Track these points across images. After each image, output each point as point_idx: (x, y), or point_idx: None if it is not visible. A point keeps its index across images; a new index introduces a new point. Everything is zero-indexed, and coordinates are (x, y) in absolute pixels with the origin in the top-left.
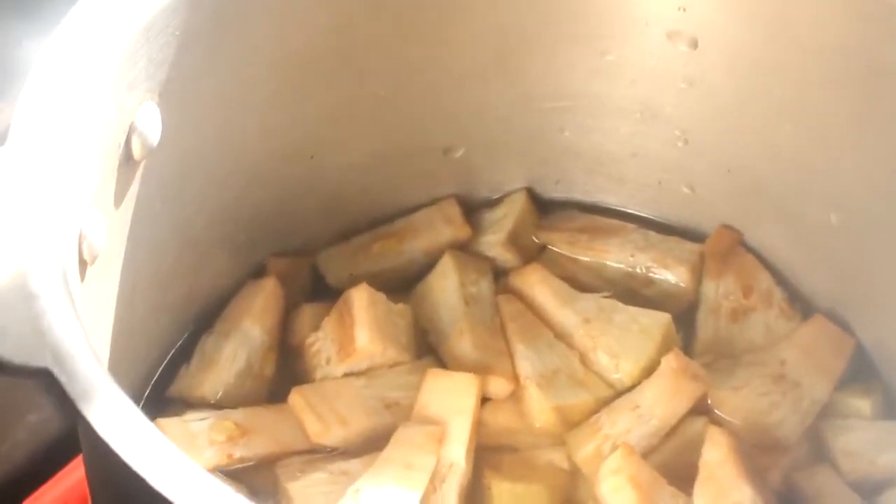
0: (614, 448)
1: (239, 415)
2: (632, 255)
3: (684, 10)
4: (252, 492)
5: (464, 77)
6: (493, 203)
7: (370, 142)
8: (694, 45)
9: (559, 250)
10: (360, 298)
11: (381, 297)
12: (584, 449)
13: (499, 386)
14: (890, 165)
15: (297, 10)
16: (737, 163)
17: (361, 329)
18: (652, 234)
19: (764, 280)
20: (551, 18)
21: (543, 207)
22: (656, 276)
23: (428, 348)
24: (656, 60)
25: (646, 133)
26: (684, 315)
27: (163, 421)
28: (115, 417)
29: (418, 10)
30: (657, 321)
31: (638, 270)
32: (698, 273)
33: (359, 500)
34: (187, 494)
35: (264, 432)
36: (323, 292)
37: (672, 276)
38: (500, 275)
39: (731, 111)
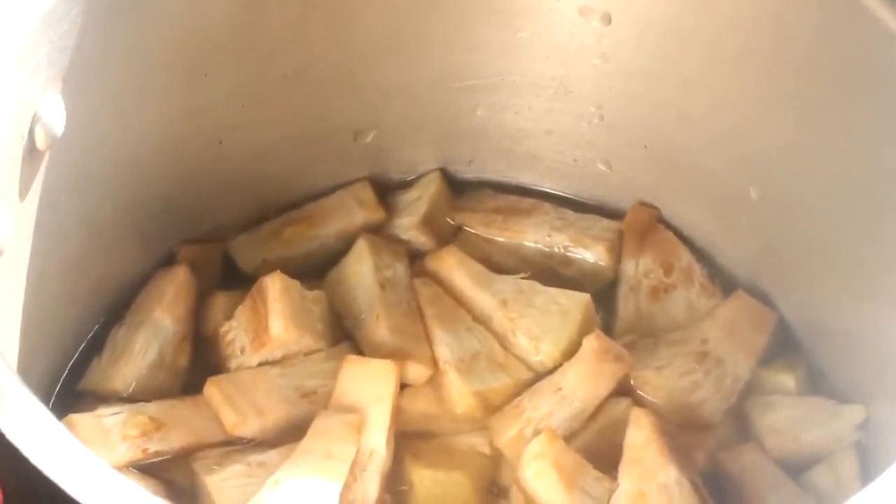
0: (537, 431)
1: (153, 408)
2: (548, 235)
3: None
4: (168, 486)
5: (373, 57)
6: (406, 185)
7: (279, 125)
8: (607, 20)
9: (474, 231)
10: (274, 286)
11: (295, 283)
12: (507, 433)
13: (417, 372)
14: (805, 137)
15: None
16: (653, 138)
17: (275, 317)
18: (568, 212)
19: (684, 257)
20: None
21: (458, 188)
22: (574, 256)
23: (344, 334)
24: (569, 36)
25: (560, 109)
26: (604, 294)
27: (75, 417)
28: (21, 417)
29: None
30: (577, 301)
31: (555, 250)
32: (617, 251)
33: (278, 491)
34: (95, 494)
35: (179, 425)
36: (235, 279)
37: (590, 254)
38: (415, 258)
39: (646, 85)
